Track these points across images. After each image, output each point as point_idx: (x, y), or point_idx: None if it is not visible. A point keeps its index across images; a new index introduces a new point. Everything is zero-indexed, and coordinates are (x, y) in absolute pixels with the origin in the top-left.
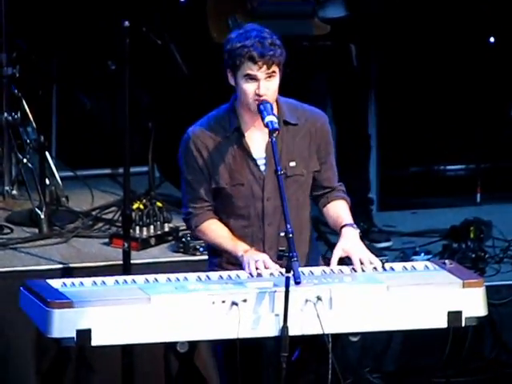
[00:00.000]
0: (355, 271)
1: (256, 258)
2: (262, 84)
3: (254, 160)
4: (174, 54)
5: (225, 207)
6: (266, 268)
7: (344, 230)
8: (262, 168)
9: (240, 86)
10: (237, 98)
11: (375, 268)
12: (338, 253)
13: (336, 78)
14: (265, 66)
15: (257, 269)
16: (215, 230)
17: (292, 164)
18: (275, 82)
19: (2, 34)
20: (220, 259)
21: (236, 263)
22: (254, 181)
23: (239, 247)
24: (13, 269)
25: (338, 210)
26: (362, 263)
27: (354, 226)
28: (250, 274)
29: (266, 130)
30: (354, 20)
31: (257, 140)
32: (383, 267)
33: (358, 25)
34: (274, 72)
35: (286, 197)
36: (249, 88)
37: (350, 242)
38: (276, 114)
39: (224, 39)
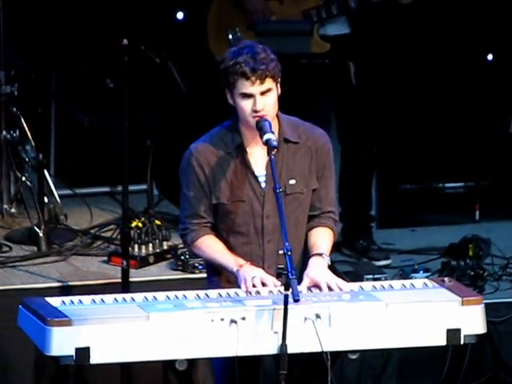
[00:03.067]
0: (360, 288)
1: (252, 274)
2: (258, 100)
3: (255, 177)
4: (173, 72)
5: (225, 224)
6: (263, 285)
7: (311, 259)
8: (263, 185)
9: (237, 104)
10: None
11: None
12: (304, 282)
13: (337, 96)
14: (258, 81)
15: (254, 286)
16: (211, 246)
17: (292, 182)
18: (271, 97)
19: (0, 51)
20: (219, 278)
21: (235, 282)
22: (254, 197)
23: (234, 262)
24: (11, 287)
25: (317, 237)
26: (330, 289)
27: (325, 255)
28: (247, 291)
29: (262, 142)
30: (355, 38)
31: (258, 157)
32: (382, 286)
33: (360, 42)
34: (269, 88)
35: (286, 214)
36: (245, 105)
37: (314, 270)
38: (276, 131)
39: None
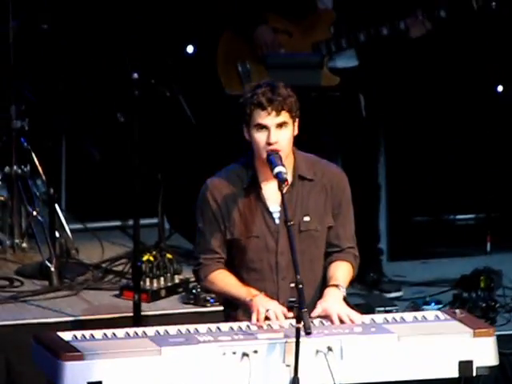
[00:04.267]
0: (372, 321)
1: (267, 307)
2: (273, 132)
3: (269, 213)
4: (183, 105)
5: (238, 260)
6: (276, 318)
7: (326, 290)
8: (277, 221)
9: (252, 136)
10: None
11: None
12: (317, 311)
13: (345, 128)
14: (274, 112)
15: (267, 318)
16: (223, 279)
17: (306, 219)
18: (287, 132)
19: (11, 86)
20: (236, 312)
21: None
22: (268, 233)
23: (247, 292)
24: (23, 321)
25: (335, 270)
26: (341, 321)
27: (341, 286)
28: (258, 325)
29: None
30: (365, 70)
31: (273, 193)
32: (394, 318)
33: (368, 75)
34: (285, 122)
35: (300, 251)
36: (260, 137)
37: (328, 301)
38: (291, 167)
39: (234, 89)
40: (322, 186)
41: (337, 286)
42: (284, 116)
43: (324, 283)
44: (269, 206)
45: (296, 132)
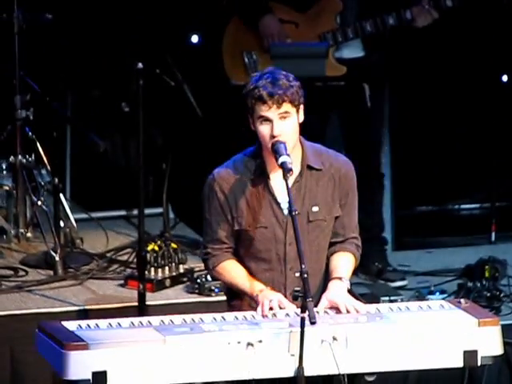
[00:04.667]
0: (376, 310)
1: (270, 298)
2: (276, 125)
3: (278, 203)
4: (188, 95)
5: (246, 250)
6: (280, 308)
7: (330, 283)
8: (286, 212)
9: (257, 129)
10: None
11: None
12: (323, 304)
13: (349, 117)
14: (275, 106)
15: (271, 309)
16: (231, 271)
17: (315, 209)
18: (290, 122)
19: (16, 76)
20: (241, 302)
21: (256, 307)
22: (276, 224)
23: (255, 287)
24: (28, 311)
25: (338, 262)
26: (348, 311)
27: (344, 279)
28: (263, 315)
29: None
30: (370, 60)
31: (281, 183)
32: (398, 308)
33: (374, 65)
34: (286, 112)
35: (308, 241)
36: (264, 130)
37: (332, 292)
38: (300, 157)
39: (240, 78)
40: (330, 176)
41: (340, 278)
42: (286, 107)
43: (325, 273)
44: (277, 196)
45: (302, 119)
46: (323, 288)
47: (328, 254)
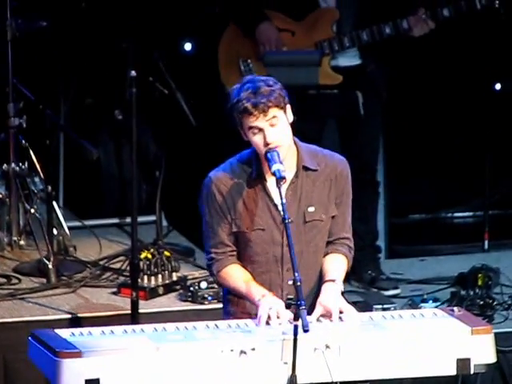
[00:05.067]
0: (369, 318)
1: (270, 306)
2: (268, 133)
3: (275, 205)
4: (181, 103)
5: (243, 252)
6: (277, 317)
7: (323, 286)
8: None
9: (250, 139)
10: None
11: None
12: (318, 309)
13: (344, 125)
14: (261, 115)
15: (269, 317)
16: (234, 275)
17: (311, 209)
18: (281, 126)
19: (9, 84)
20: (236, 308)
21: (252, 313)
22: (274, 226)
23: (257, 292)
24: (21, 319)
25: (330, 264)
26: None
27: (338, 280)
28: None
29: (289, 175)
30: (366, 68)
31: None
32: (391, 316)
33: (370, 73)
34: (274, 117)
35: (305, 242)
36: (257, 140)
37: (325, 296)
38: (295, 158)
39: (234, 85)
40: (326, 176)
41: (333, 280)
42: (272, 112)
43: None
44: (274, 198)
45: (291, 119)
46: (320, 289)
47: None
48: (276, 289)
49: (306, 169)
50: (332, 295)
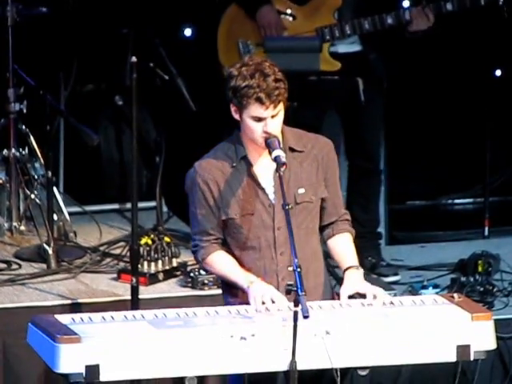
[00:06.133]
0: (363, 305)
1: (262, 292)
2: (269, 122)
3: (262, 189)
4: (181, 89)
5: (236, 240)
6: (273, 302)
7: (348, 272)
8: (271, 196)
9: (246, 123)
10: (241, 129)
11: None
12: (346, 291)
13: (345, 112)
14: (272, 106)
15: (263, 303)
16: (221, 262)
17: (301, 191)
18: (281, 117)
19: (9, 69)
20: (235, 299)
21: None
22: (263, 210)
23: (245, 279)
24: (21, 304)
25: (343, 247)
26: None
27: (358, 266)
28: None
29: (271, 159)
30: (366, 55)
31: (264, 168)
32: (391, 302)
33: (370, 60)
34: (279, 110)
35: (296, 224)
36: (256, 127)
37: (355, 282)
38: (280, 141)
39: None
40: (313, 158)
41: (357, 267)
42: (280, 106)
43: (316, 256)
44: (260, 181)
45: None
46: (316, 272)
47: (325, 237)
48: (271, 274)
49: (292, 150)
50: (361, 280)
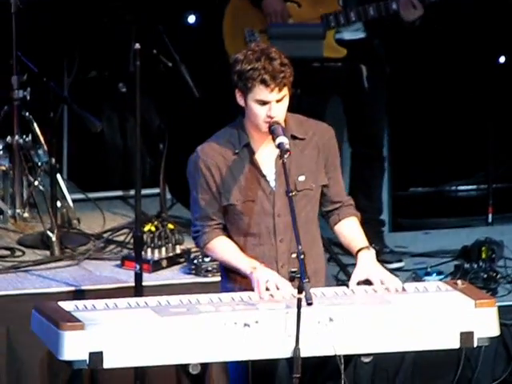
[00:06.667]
0: (373, 291)
1: (266, 278)
2: (274, 107)
3: (264, 176)
4: (185, 76)
5: (236, 226)
6: (277, 288)
7: (360, 254)
8: (272, 184)
9: (251, 108)
10: (245, 115)
11: (397, 289)
12: (357, 276)
13: (349, 99)
14: (277, 89)
15: (267, 289)
16: (223, 248)
17: (301, 178)
18: (285, 103)
19: (13, 56)
20: (233, 285)
21: (249, 286)
22: (264, 197)
23: (248, 264)
24: (24, 291)
25: (351, 230)
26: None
27: (369, 247)
28: (260, 295)
29: (275, 145)
30: (370, 41)
31: (266, 156)
32: (403, 288)
33: (374, 46)
34: (284, 95)
35: (296, 211)
36: (260, 111)
37: (367, 265)
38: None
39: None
40: (314, 144)
41: (367, 247)
42: (284, 90)
43: (314, 243)
44: (262, 169)
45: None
46: (314, 258)
47: (331, 223)
48: (270, 261)
49: (294, 138)
50: (372, 264)
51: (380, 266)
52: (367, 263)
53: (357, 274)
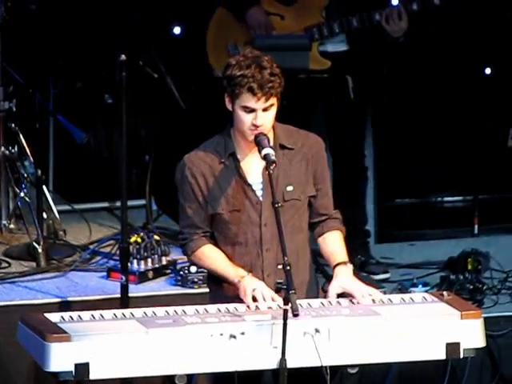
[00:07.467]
0: (353, 303)
1: (253, 287)
2: (260, 116)
3: (249, 185)
4: (171, 87)
5: (223, 235)
6: (263, 298)
7: (337, 268)
8: (259, 193)
9: (237, 114)
10: (233, 124)
11: (374, 300)
12: (334, 289)
13: (332, 109)
14: (263, 98)
15: (254, 299)
16: (210, 256)
17: (289, 188)
18: (272, 112)
19: None
20: (222, 291)
21: (237, 294)
22: (250, 206)
23: (235, 273)
24: (10, 303)
25: (332, 244)
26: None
27: (347, 262)
28: (248, 306)
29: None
30: (354, 53)
31: (253, 165)
32: (381, 300)
33: (357, 58)
34: (272, 105)
35: (283, 222)
36: (245, 118)
37: (344, 279)
38: (271, 138)
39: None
40: (302, 156)
41: (345, 263)
42: (272, 100)
43: (299, 254)
44: (248, 178)
45: (278, 105)
46: (300, 269)
47: (315, 235)
48: (256, 270)
49: (282, 147)
50: (349, 278)
51: (357, 280)
52: (344, 277)
53: (334, 287)
